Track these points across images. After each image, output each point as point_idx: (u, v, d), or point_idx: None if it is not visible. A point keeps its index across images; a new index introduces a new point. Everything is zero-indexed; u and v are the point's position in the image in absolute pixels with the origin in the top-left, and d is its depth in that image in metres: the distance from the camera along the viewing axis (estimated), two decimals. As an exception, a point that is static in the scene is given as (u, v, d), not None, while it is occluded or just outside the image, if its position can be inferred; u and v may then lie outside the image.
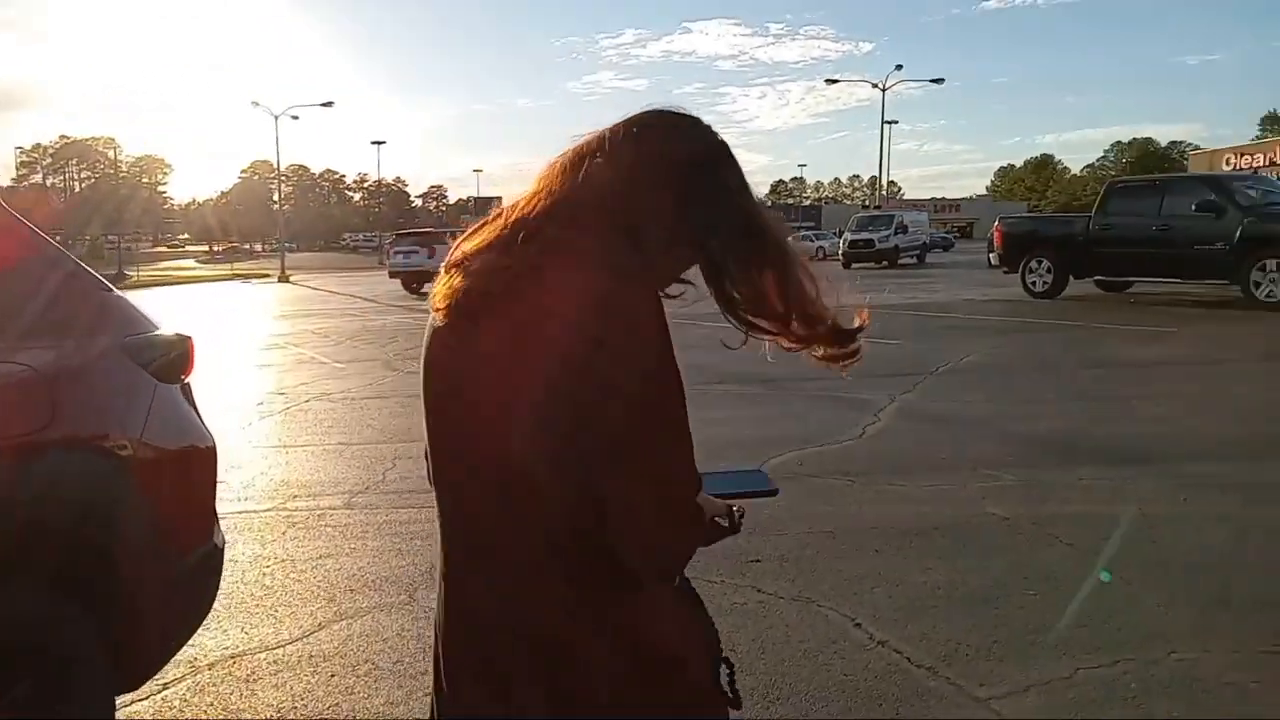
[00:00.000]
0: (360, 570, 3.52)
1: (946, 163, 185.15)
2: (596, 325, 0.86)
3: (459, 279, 0.95)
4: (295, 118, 45.26)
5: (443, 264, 1.00)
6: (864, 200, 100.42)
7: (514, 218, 0.96)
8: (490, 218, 1.00)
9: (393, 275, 23.29)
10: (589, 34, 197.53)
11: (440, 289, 0.97)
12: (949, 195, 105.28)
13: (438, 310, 0.97)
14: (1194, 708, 2.34)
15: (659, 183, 0.97)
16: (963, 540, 3.63)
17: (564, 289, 0.88)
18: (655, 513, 0.89)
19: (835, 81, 49.37)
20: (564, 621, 0.93)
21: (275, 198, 64.47)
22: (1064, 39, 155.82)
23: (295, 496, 4.61)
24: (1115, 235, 13.19)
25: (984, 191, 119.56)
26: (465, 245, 0.99)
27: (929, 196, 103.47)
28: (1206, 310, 11.92)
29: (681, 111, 1.03)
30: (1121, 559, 3.38)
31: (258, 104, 45.84)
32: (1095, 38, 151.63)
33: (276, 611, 3.16)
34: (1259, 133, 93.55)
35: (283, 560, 3.67)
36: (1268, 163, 56.82)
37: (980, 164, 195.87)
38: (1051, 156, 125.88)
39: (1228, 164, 56.88)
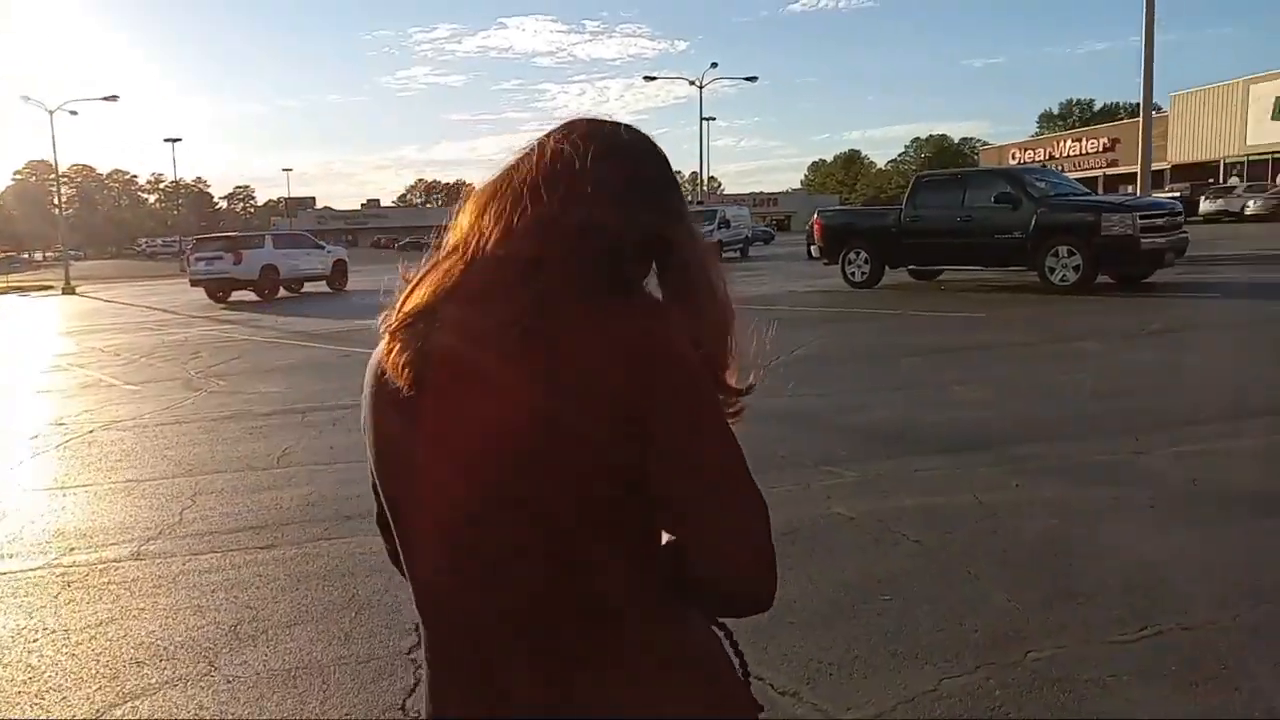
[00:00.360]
0: (150, 637, 3.04)
1: (763, 158, 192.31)
2: (647, 370, 0.80)
3: (442, 336, 0.84)
4: (74, 113, 41.27)
5: (391, 318, 0.88)
6: (687, 197, 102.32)
7: (486, 255, 0.85)
8: (442, 257, 0.89)
9: (195, 284, 21.61)
10: (401, 28, 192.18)
11: (406, 350, 0.84)
12: (767, 190, 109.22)
13: (409, 374, 0.84)
14: (1061, 709, 2.31)
15: (644, 208, 0.89)
16: (813, 545, 3.55)
17: (597, 336, 0.81)
18: (759, 549, 0.86)
19: (653, 79, 50.11)
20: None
21: (56, 201, 58.68)
22: (864, 41, 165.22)
23: (72, 549, 4.00)
24: (924, 226, 13.88)
25: (799, 185, 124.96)
26: (422, 290, 0.87)
27: (748, 191, 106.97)
28: (1009, 295, 12.73)
29: (631, 126, 0.95)
30: (966, 553, 3.40)
31: (29, 99, 41.51)
32: (892, 41, 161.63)
33: (44, 698, 2.66)
34: (1038, 129, 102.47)
35: (53, 631, 3.13)
36: (1047, 156, 62.27)
37: (795, 159, 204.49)
38: (859, 152, 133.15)
39: (1013, 158, 61.95)
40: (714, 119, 69.42)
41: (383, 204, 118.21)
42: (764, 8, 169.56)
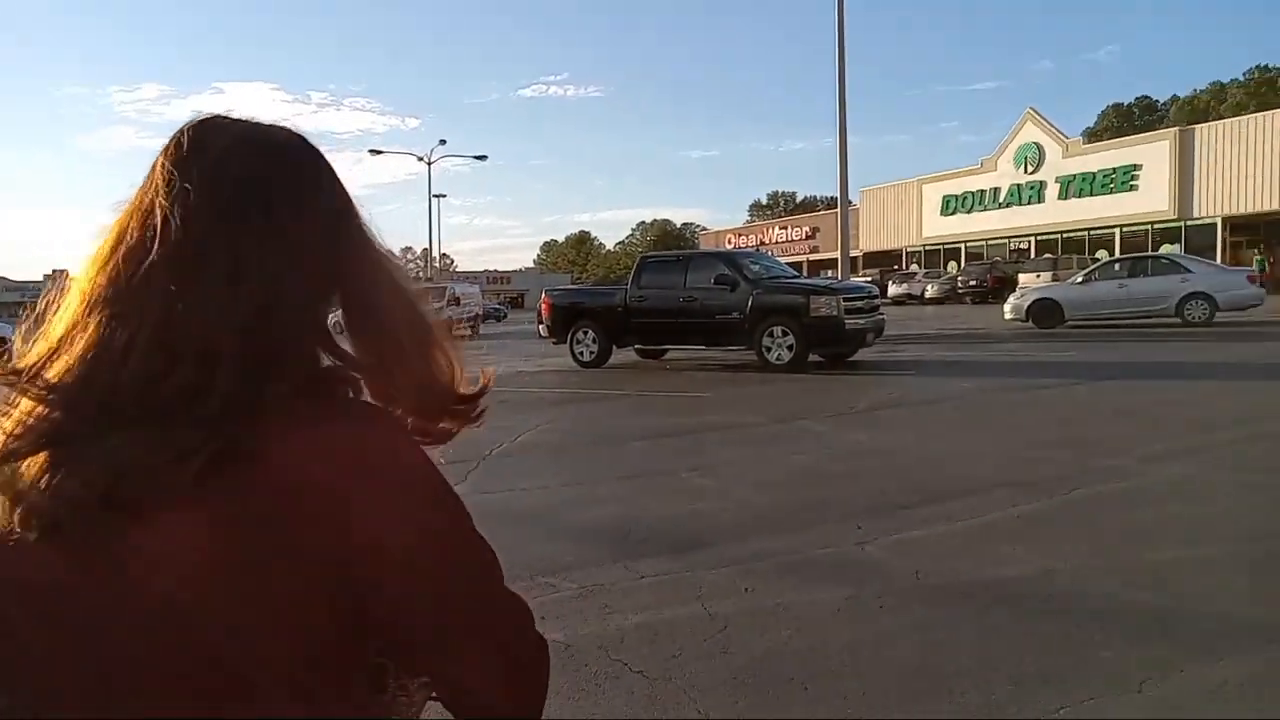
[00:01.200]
0: None
1: (498, 237, 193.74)
2: (365, 494, 0.69)
3: (59, 467, 0.65)
4: None
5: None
6: (416, 273, 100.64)
7: (114, 353, 0.67)
8: (42, 354, 0.69)
9: None
10: (99, 85, 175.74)
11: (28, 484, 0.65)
12: (500, 268, 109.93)
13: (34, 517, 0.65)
14: None
15: (319, 246, 0.74)
16: (522, 688, 2.96)
17: (296, 458, 0.67)
18: (525, 666, 0.79)
19: (379, 152, 48.72)
20: None
21: None
22: (592, 128, 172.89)
23: None
24: (649, 306, 14.05)
25: (532, 264, 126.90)
26: (27, 406, 0.68)
27: (483, 269, 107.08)
28: (732, 374, 13.06)
29: (276, 126, 0.77)
30: (695, 682, 2.97)
31: None
32: (618, 129, 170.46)
33: None
34: (749, 217, 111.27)
35: None
36: (758, 241, 67.38)
37: (528, 238, 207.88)
38: (589, 233, 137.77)
39: (729, 242, 66.47)
40: (445, 196, 68.83)
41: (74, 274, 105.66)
42: (495, 90, 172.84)
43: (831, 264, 48.27)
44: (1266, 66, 75.80)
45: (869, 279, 44.54)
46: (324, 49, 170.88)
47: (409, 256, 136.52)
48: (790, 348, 12.58)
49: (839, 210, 18.96)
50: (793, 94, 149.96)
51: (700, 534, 4.75)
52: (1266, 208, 37.05)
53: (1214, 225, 38.59)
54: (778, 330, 12.68)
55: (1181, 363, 11.94)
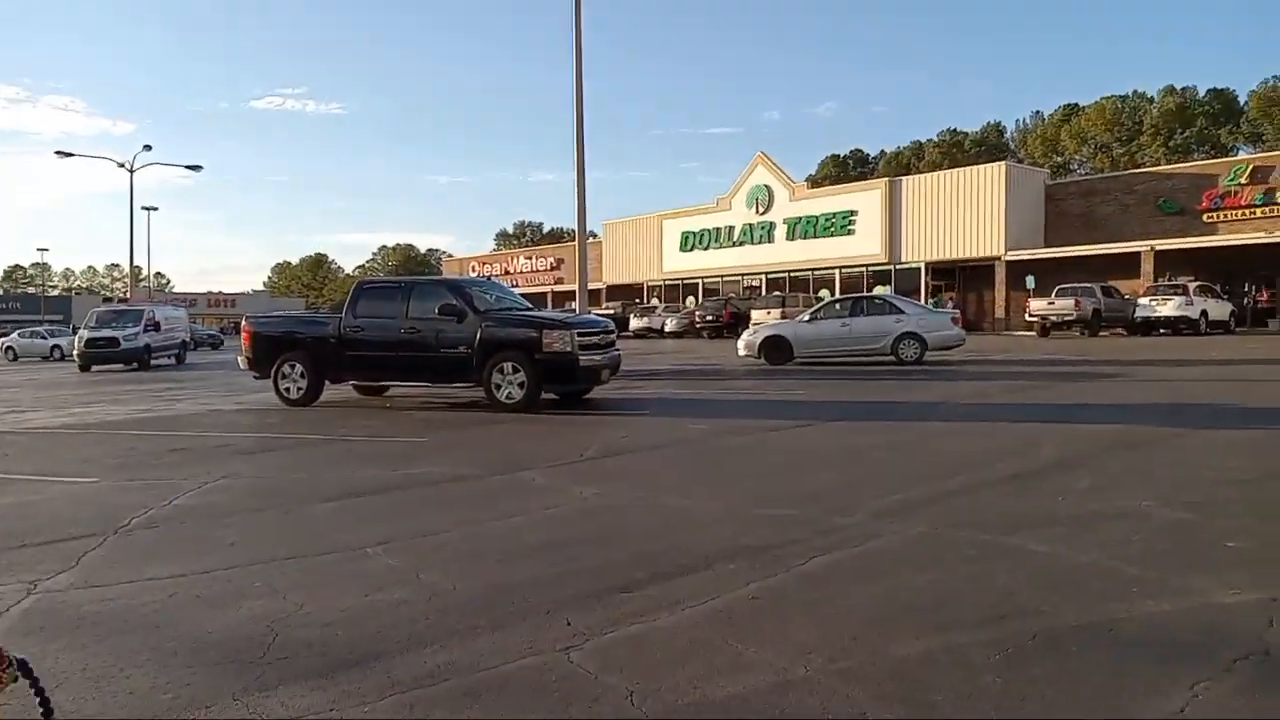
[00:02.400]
0: None
1: (226, 256, 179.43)
2: None
3: None
4: None
5: None
6: (122, 293, 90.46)
7: None
8: None
9: None
10: None
11: None
12: (226, 289, 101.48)
13: None
14: None
15: None
16: None
17: None
18: None
19: (69, 155, 42.94)
20: None
21: None
22: (334, 146, 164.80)
23: None
24: (366, 337, 12.69)
25: (262, 286, 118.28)
26: None
27: (204, 290, 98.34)
28: (457, 414, 11.98)
29: None
30: None
31: None
32: (362, 149, 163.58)
33: None
34: (495, 245, 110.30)
35: None
36: (503, 271, 66.48)
37: (260, 259, 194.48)
38: (326, 255, 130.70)
39: (473, 270, 65.09)
40: (156, 209, 62.21)
41: None
42: (223, 98, 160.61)
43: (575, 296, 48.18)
44: (954, 129, 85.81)
45: (611, 311, 44.99)
46: (17, 35, 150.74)
47: (115, 275, 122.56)
48: (522, 385, 11.72)
49: (577, 242, 18.47)
50: (543, 125, 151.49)
51: (367, 641, 3.68)
52: (958, 255, 41.26)
53: (918, 269, 42.44)
54: (508, 366, 11.78)
55: (903, 402, 12.32)
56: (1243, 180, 36.16)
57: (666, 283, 53.63)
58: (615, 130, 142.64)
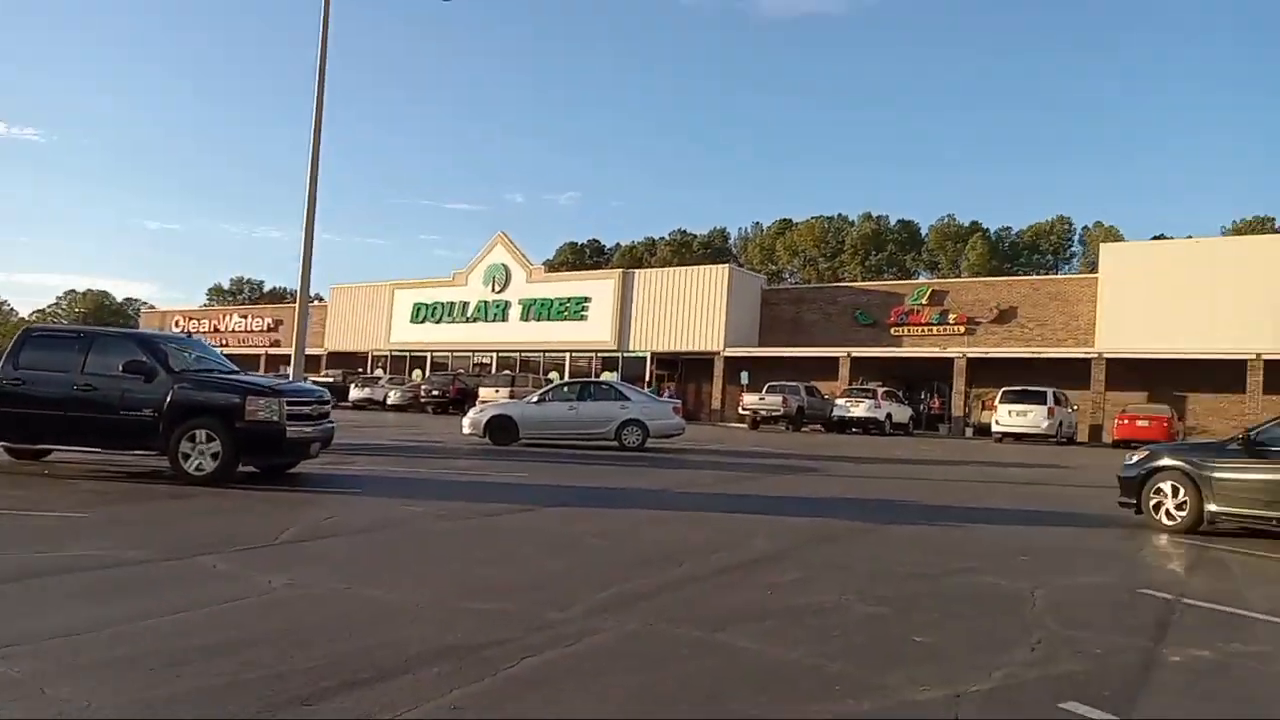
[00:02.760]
0: None
1: None
2: None
3: None
4: None
5: None
6: None
7: None
8: None
9: None
10: None
11: None
12: None
13: None
14: None
15: None
16: None
17: None
18: None
19: None
20: None
21: None
22: (20, 175, 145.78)
23: None
24: (29, 392, 10.94)
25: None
26: None
27: None
28: (133, 485, 10.54)
29: None
30: None
31: None
32: (54, 181, 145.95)
33: None
34: (208, 300, 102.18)
35: None
36: (213, 328, 61.38)
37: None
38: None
39: (176, 324, 59.52)
40: None
41: None
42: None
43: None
44: (684, 230, 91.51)
45: (330, 380, 42.69)
46: None
47: None
48: (216, 456, 10.52)
49: (298, 303, 17.30)
50: (272, 180, 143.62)
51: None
52: (682, 347, 43.42)
53: (645, 358, 44.11)
54: (201, 434, 10.56)
55: (624, 488, 12.40)
56: (923, 301, 41.29)
57: (394, 353, 51.93)
58: (352, 194, 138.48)
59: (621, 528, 8.82)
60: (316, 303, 66.43)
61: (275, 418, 10.73)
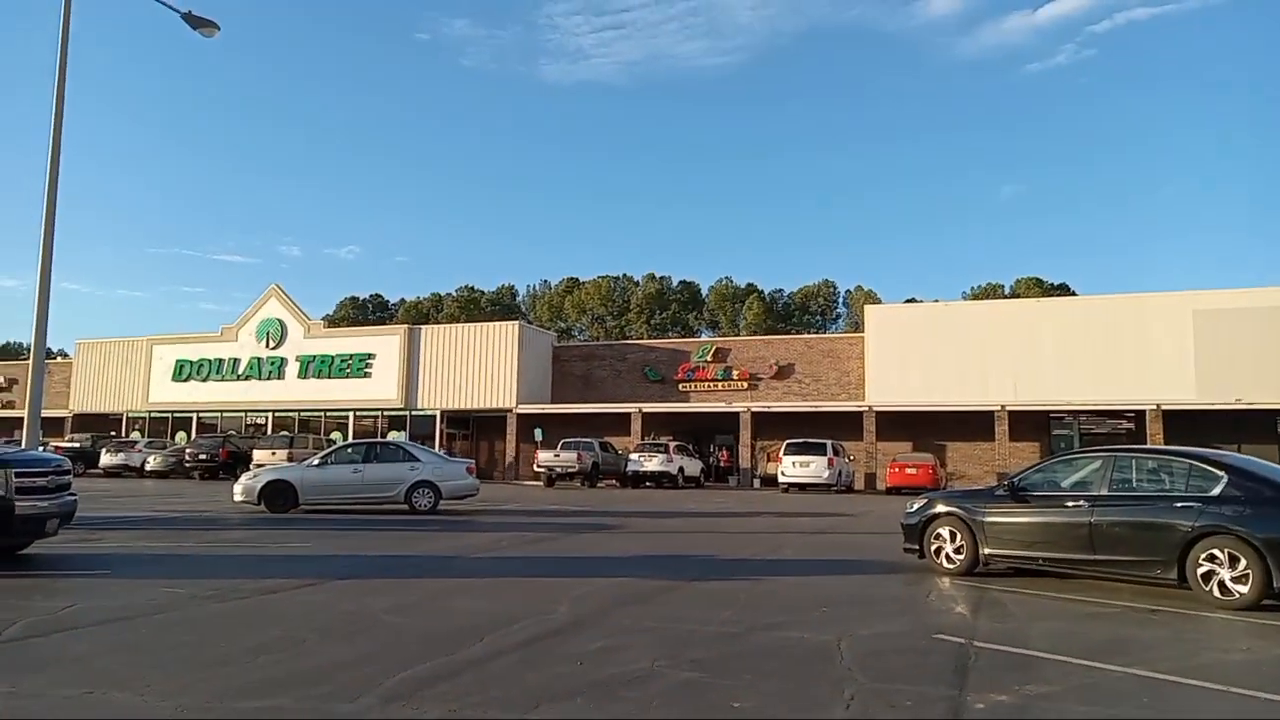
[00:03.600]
0: None
1: None
2: None
3: None
4: None
5: None
6: None
7: None
8: None
9: None
10: None
11: None
12: None
13: None
14: None
15: None
16: None
17: None
18: None
19: None
20: None
21: None
22: None
23: None
24: None
25: None
26: None
27: None
28: None
29: None
30: None
31: None
32: None
33: None
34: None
35: None
36: (-71, 389, 53.94)
37: None
38: None
39: (-118, 385, 51.67)
40: None
41: None
42: None
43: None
44: (472, 287, 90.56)
45: (76, 445, 38.38)
46: None
47: None
48: (-78, 539, 8.92)
49: (33, 360, 15.30)
50: (5, 226, 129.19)
51: None
52: (473, 405, 42.50)
53: (434, 416, 42.76)
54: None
55: (418, 556, 11.67)
56: (708, 358, 42.78)
57: (153, 414, 47.49)
58: (99, 242, 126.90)
59: (416, 600, 8.20)
60: (59, 359, 59.94)
61: (3, 493, 9.27)
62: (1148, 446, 24.35)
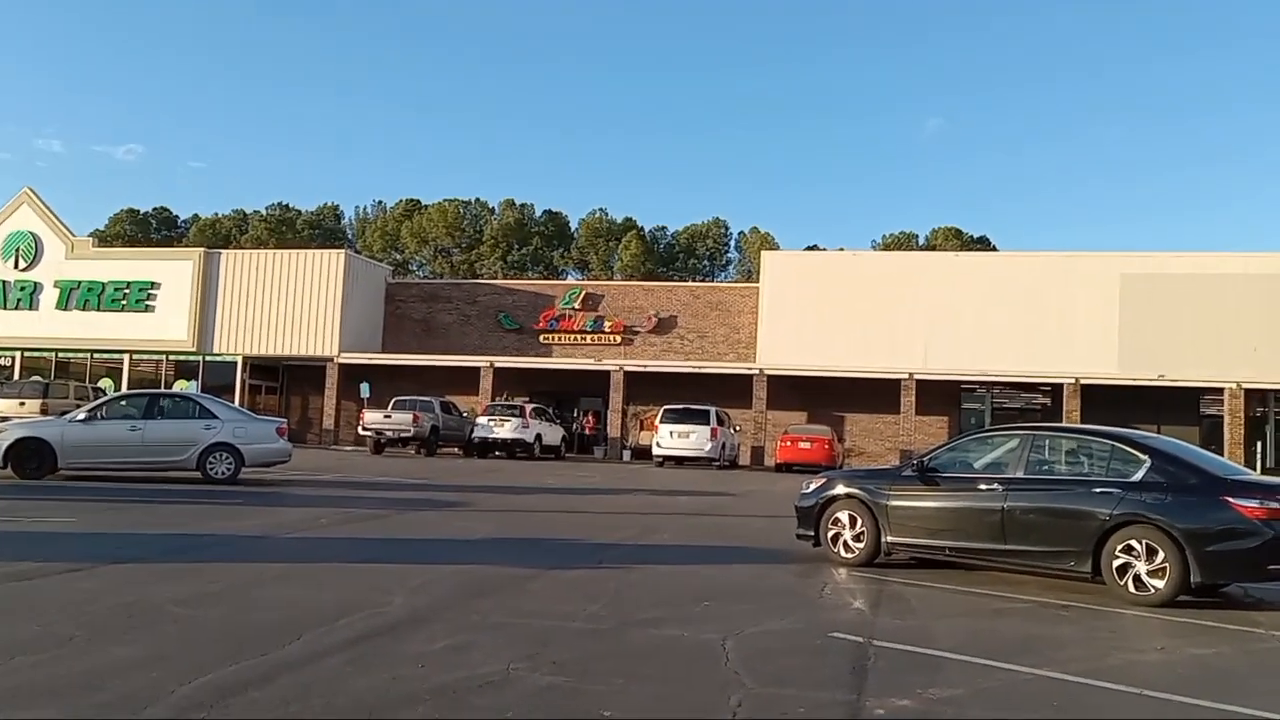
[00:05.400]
0: None
1: None
2: None
3: None
4: None
5: None
6: None
7: None
8: None
9: None
10: None
11: None
12: None
13: None
14: None
15: None
16: None
17: None
18: None
19: None
20: None
21: None
22: None
23: None
24: None
25: None
26: None
27: None
28: None
29: None
30: None
31: None
32: None
33: None
34: None
35: None
36: None
37: None
38: None
39: None
40: None
41: None
42: None
43: None
44: (286, 205, 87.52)
45: None
46: None
47: None
48: None
49: None
50: None
51: None
52: (285, 351, 41.29)
53: (235, 364, 41.36)
54: None
55: (216, 535, 11.39)
56: (576, 305, 42.87)
57: None
58: None
59: (216, 589, 8.01)
60: None
61: None
62: (1068, 425, 26.04)
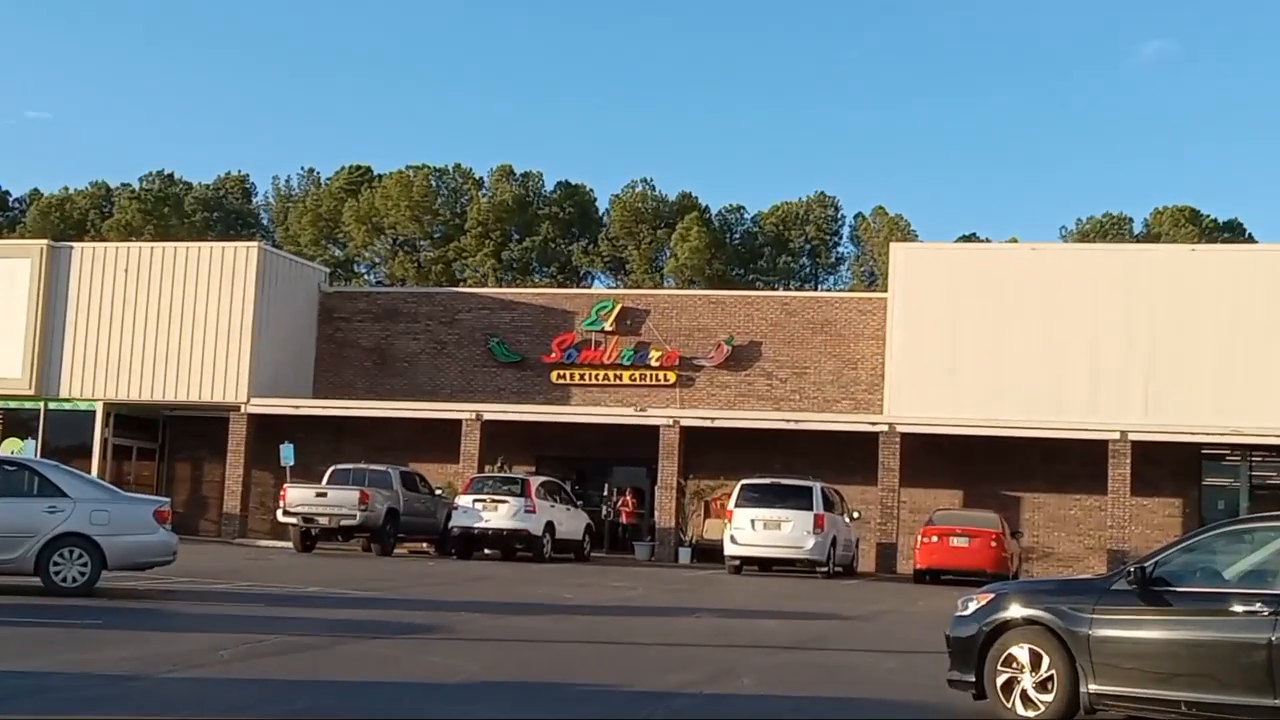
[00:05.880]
0: None
1: None
2: None
3: None
4: None
5: None
6: None
7: None
8: None
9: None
10: None
11: None
12: None
13: None
14: None
15: None
16: None
17: None
18: None
19: None
20: None
21: None
22: None
23: None
24: None
25: None
26: None
27: None
28: None
29: None
30: None
31: None
32: None
33: None
34: None
35: None
36: None
37: None
38: None
39: None
40: None
41: None
42: None
43: None
44: (170, 175, 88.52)
45: None
46: None
47: None
48: None
49: None
50: None
51: None
52: (167, 396, 41.45)
53: (92, 413, 41.64)
54: None
55: (53, 675, 11.48)
56: (607, 326, 42.27)
57: None
58: None
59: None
60: None
61: None
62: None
